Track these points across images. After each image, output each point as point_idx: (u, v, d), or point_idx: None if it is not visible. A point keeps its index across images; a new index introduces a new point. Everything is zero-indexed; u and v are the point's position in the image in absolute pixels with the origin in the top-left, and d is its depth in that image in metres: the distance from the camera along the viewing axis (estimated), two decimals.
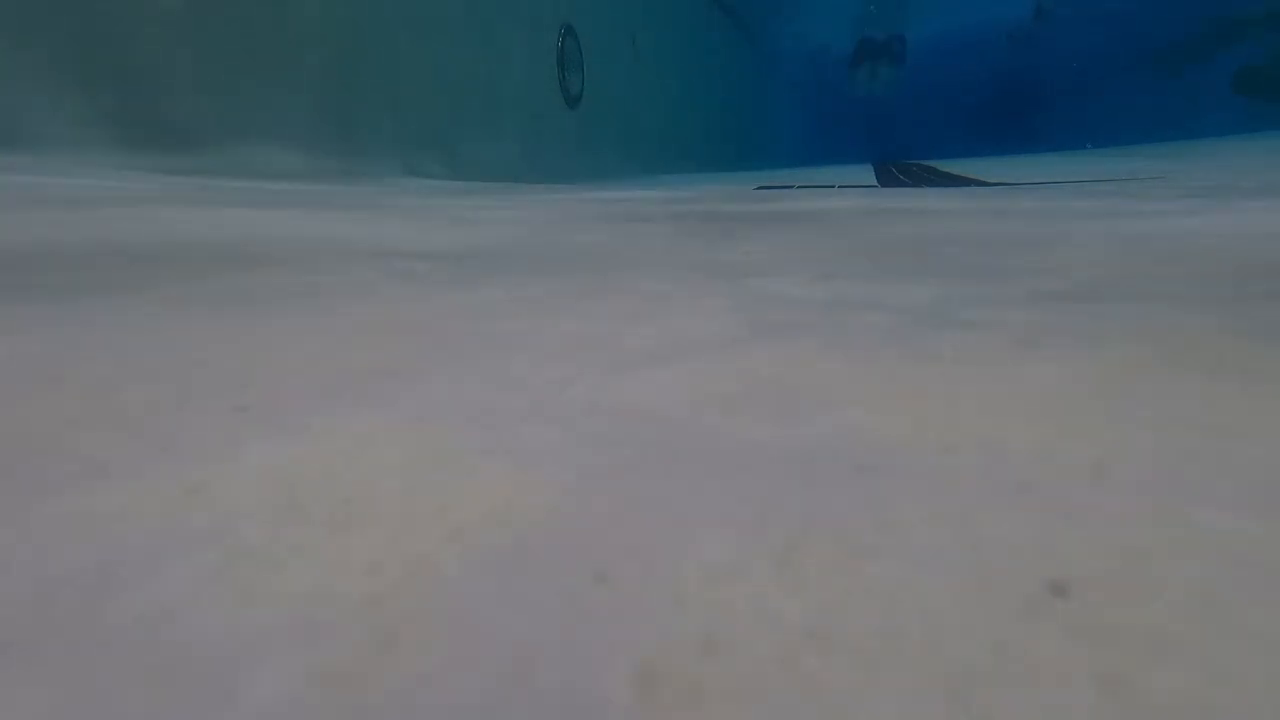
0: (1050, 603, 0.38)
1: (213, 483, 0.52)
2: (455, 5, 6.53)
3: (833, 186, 5.15)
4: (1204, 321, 0.95)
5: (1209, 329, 0.91)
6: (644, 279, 1.35)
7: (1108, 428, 0.61)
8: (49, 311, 1.01)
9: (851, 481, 0.52)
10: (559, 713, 0.32)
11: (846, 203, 3.40)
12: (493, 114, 7.03)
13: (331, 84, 5.19)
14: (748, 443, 0.59)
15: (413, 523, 0.47)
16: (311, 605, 0.39)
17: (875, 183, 5.81)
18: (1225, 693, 0.32)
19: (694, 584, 0.40)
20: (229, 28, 4.46)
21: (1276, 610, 0.38)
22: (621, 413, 0.66)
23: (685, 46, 12.34)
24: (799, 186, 5.15)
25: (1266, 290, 1.14)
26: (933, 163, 8.36)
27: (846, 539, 0.45)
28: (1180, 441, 0.58)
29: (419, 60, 6.07)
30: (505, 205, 3.38)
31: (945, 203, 3.26)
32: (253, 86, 4.59)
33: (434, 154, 5.93)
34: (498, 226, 2.39)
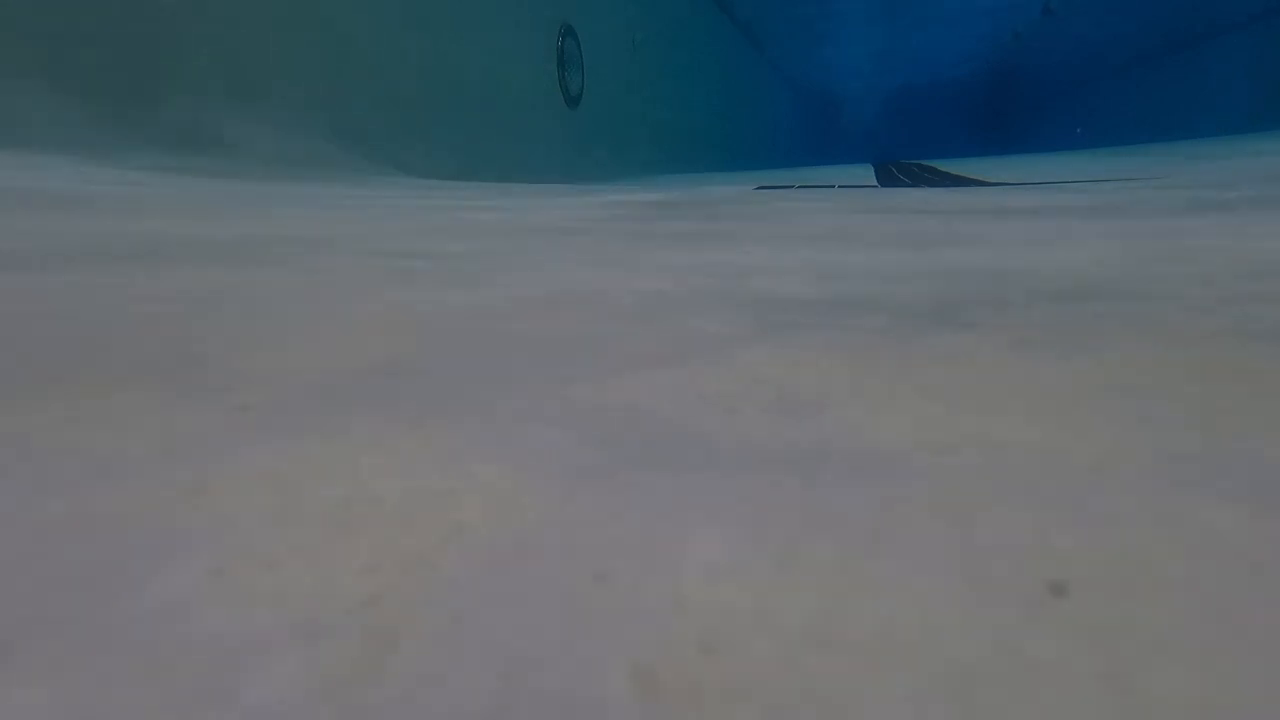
0: (1050, 603, 0.38)
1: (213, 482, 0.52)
2: (453, 2, 6.52)
3: (833, 186, 5.15)
4: (1204, 321, 0.95)
5: (1209, 329, 0.91)
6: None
7: (1108, 428, 0.61)
8: None
9: (851, 481, 0.52)
10: (559, 713, 0.32)
11: (846, 201, 3.40)
12: (490, 112, 7.02)
13: (324, 80, 5.18)
14: (748, 442, 0.59)
15: (412, 522, 0.47)
16: (311, 605, 0.39)
17: (875, 182, 5.81)
18: (1225, 693, 0.32)
19: (694, 584, 0.40)
20: (227, 26, 4.46)
21: (1277, 610, 0.38)
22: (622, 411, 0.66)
23: (685, 46, 12.33)
24: (799, 186, 5.15)
25: (1267, 291, 1.14)
26: (933, 163, 8.36)
27: (846, 539, 0.45)
28: (1180, 441, 0.58)
29: (415, 57, 6.06)
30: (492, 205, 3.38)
31: (945, 202, 3.26)
32: (249, 83, 4.59)
33: (426, 151, 5.90)
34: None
